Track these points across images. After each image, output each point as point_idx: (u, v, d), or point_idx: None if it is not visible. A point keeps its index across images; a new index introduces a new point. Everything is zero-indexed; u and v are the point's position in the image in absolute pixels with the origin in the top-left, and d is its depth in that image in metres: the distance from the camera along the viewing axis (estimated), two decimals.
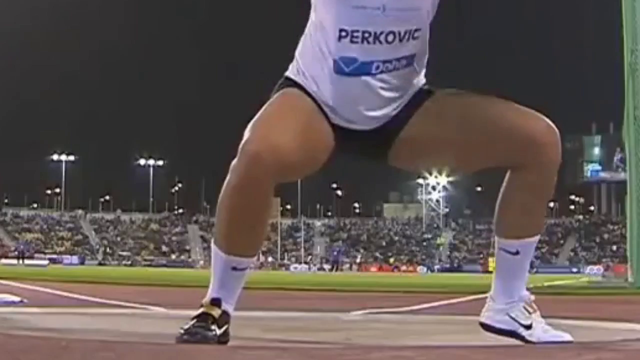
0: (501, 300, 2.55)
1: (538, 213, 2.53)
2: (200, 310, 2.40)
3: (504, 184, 2.53)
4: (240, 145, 2.32)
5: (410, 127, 2.48)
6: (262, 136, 2.30)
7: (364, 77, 2.41)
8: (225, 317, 2.40)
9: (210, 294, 2.45)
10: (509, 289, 2.55)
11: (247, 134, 2.33)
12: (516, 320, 2.51)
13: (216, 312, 2.39)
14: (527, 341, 2.46)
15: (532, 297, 2.55)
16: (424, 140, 2.47)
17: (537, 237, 2.55)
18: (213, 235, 2.48)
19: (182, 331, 2.34)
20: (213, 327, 2.35)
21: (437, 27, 2.52)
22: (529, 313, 2.51)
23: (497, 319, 2.56)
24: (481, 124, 2.42)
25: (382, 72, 2.40)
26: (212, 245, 2.47)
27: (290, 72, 2.56)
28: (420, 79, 2.55)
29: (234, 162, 2.32)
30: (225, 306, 2.42)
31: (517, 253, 2.52)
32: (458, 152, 2.48)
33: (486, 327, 2.59)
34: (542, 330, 2.48)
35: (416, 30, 2.40)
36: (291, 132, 2.34)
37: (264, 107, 2.45)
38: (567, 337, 2.46)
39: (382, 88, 2.43)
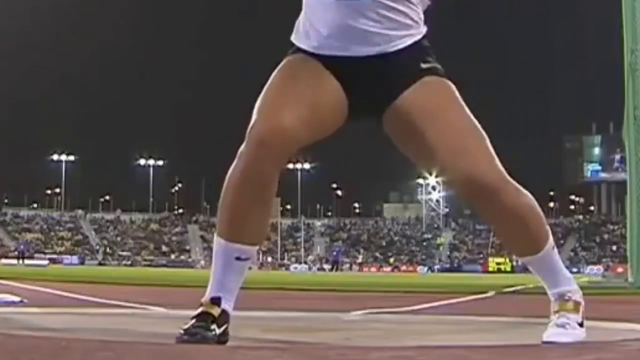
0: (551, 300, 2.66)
1: (523, 240, 2.56)
2: (200, 309, 2.40)
3: None
4: (248, 129, 2.35)
5: (404, 101, 2.48)
6: (267, 119, 2.33)
7: (354, 2, 2.42)
8: (224, 316, 2.40)
9: (209, 292, 2.44)
10: (547, 289, 2.65)
11: (253, 116, 2.37)
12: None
13: (216, 311, 2.39)
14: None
15: (568, 296, 2.61)
16: (407, 121, 2.48)
17: (538, 255, 2.58)
18: (217, 228, 2.47)
19: (182, 331, 2.34)
20: (213, 326, 2.35)
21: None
22: (554, 312, 2.58)
23: None
24: (449, 140, 2.42)
25: None
26: (215, 238, 2.47)
27: (293, 34, 2.59)
28: (420, 26, 2.55)
29: (242, 146, 2.36)
30: (224, 305, 2.41)
31: (527, 267, 2.66)
32: (422, 151, 2.50)
33: None
34: (548, 329, 2.53)
35: None
36: (296, 109, 2.36)
37: (269, 82, 2.47)
38: (567, 337, 2.46)
39: (376, 13, 2.43)
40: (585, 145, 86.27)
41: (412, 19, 2.50)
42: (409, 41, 2.49)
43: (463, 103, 2.51)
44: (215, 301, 2.41)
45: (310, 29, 2.51)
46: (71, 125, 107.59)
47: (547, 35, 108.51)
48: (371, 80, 2.48)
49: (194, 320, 2.37)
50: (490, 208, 2.45)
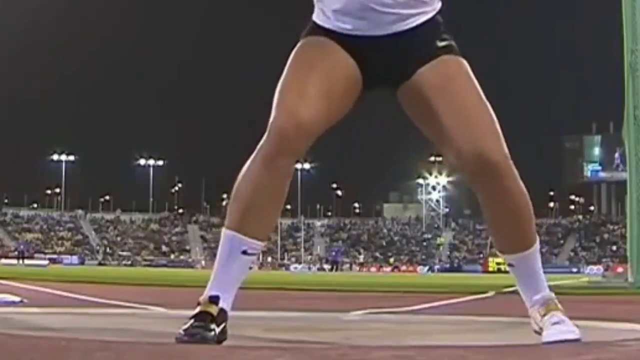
0: (528, 306, 2.63)
1: (513, 231, 2.56)
2: (198, 309, 2.39)
3: None
4: (269, 123, 2.39)
5: (419, 77, 2.50)
6: (287, 114, 2.37)
7: None
8: (223, 315, 2.39)
9: (208, 291, 2.43)
10: (526, 295, 2.62)
11: (273, 110, 2.41)
12: (537, 324, 2.57)
13: (214, 310, 2.37)
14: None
15: (552, 298, 2.58)
16: (422, 97, 2.50)
17: (526, 253, 2.57)
18: (227, 220, 2.48)
19: (181, 332, 2.34)
20: (212, 326, 2.34)
21: None
22: (542, 316, 2.54)
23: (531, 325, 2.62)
24: (448, 126, 2.46)
25: None
26: (224, 231, 2.47)
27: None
28: (435, 2, 2.57)
29: (263, 139, 2.40)
30: (222, 304, 2.40)
31: (511, 265, 2.59)
32: (434, 127, 2.52)
33: (536, 332, 2.62)
34: (548, 330, 2.50)
35: None
36: (314, 102, 2.40)
37: (286, 70, 2.49)
38: (571, 334, 2.46)
39: None
40: (585, 145, 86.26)
41: None
42: (422, 18, 2.52)
43: (476, 83, 2.54)
44: (214, 300, 2.40)
45: (325, 8, 2.53)
46: (71, 125, 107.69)
47: (547, 35, 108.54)
48: (386, 58, 2.50)
49: (192, 320, 2.36)
50: (493, 188, 2.48)
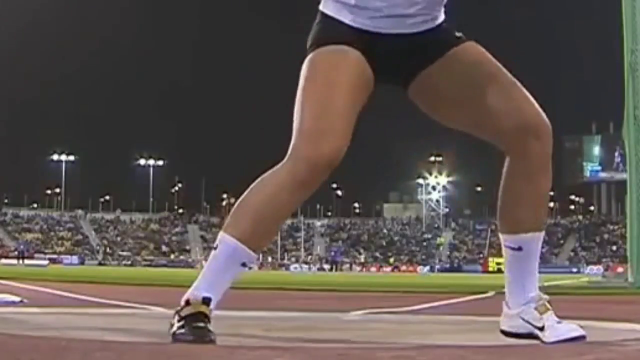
0: (514, 304, 2.56)
1: (536, 205, 2.53)
2: (191, 308, 2.35)
3: (503, 174, 2.56)
4: (294, 147, 2.39)
5: (434, 69, 2.51)
6: (315, 143, 2.35)
7: None
8: (210, 318, 2.37)
9: (199, 291, 2.39)
10: (519, 291, 2.55)
11: (299, 132, 2.39)
12: (530, 323, 2.51)
13: (207, 312, 2.35)
14: (544, 342, 2.45)
15: (545, 297, 2.54)
16: (440, 89, 2.52)
17: (538, 234, 2.53)
18: (231, 227, 2.44)
19: (183, 330, 2.32)
20: (210, 327, 2.32)
21: None
22: (540, 314, 2.50)
23: (512, 324, 2.56)
24: (492, 96, 2.47)
25: None
26: (227, 237, 2.43)
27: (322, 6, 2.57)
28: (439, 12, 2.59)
29: (288, 162, 2.39)
30: (212, 306, 2.38)
31: (519, 249, 2.53)
32: (462, 114, 2.55)
33: (505, 334, 2.59)
34: (554, 329, 2.47)
35: None
36: (339, 127, 2.38)
37: (305, 83, 2.45)
38: (578, 332, 2.45)
39: None
40: (585, 145, 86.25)
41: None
42: (442, 17, 2.56)
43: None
44: (207, 301, 2.37)
45: (355, 3, 2.49)
46: (71, 125, 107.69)
47: (547, 35, 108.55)
48: (404, 55, 2.50)
49: (189, 320, 2.32)
50: (537, 154, 2.47)
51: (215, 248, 2.47)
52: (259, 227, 2.42)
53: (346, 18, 2.50)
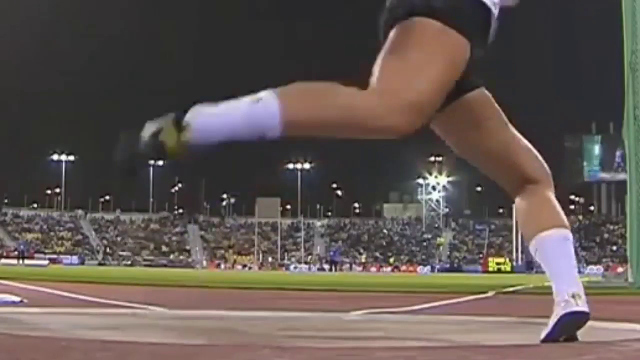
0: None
1: (545, 209, 2.60)
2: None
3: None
4: (402, 97, 2.22)
5: (461, 103, 2.53)
6: (420, 108, 2.24)
7: None
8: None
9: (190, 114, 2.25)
10: (554, 289, 2.47)
11: (413, 85, 2.24)
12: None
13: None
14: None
15: (568, 293, 2.44)
16: (457, 122, 2.57)
17: (550, 232, 2.52)
18: (286, 101, 2.17)
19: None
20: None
21: None
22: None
23: None
24: (498, 150, 2.61)
25: None
26: (275, 104, 2.15)
27: None
28: None
29: (388, 103, 2.21)
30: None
31: (536, 251, 2.53)
32: (469, 153, 2.68)
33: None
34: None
35: None
36: (439, 99, 2.31)
37: (435, 53, 2.30)
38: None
39: None
40: (585, 145, 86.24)
41: None
42: None
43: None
44: (178, 120, 2.28)
45: None
46: (71, 125, 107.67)
47: (547, 35, 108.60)
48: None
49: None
50: (539, 195, 2.64)
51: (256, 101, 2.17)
52: (311, 126, 2.21)
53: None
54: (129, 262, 71.00)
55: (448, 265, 72.59)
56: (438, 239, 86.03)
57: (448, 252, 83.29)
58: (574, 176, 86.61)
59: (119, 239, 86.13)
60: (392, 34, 2.36)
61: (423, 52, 2.30)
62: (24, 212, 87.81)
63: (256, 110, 2.15)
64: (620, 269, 26.70)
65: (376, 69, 2.30)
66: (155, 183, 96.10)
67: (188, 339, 2.64)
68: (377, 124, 2.21)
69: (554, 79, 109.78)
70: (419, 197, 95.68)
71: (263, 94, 2.17)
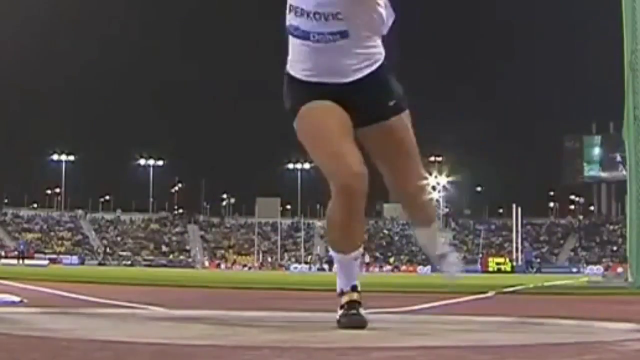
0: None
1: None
2: (347, 297, 3.38)
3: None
4: (332, 174, 3.26)
5: (372, 129, 3.39)
6: (347, 168, 3.22)
7: (307, 42, 3.26)
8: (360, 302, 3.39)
9: (343, 285, 3.49)
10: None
11: (328, 164, 3.26)
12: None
13: (358, 297, 3.42)
14: None
15: None
16: (375, 147, 3.46)
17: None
18: (330, 245, 3.66)
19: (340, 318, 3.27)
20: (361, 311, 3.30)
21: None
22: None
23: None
24: (396, 165, 3.57)
25: (318, 41, 3.23)
26: (332, 252, 3.61)
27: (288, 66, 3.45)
28: (382, 50, 3.38)
29: (334, 190, 3.28)
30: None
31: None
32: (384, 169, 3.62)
33: None
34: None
35: (338, 13, 3.17)
36: (353, 150, 3.26)
37: (306, 131, 3.30)
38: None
39: (351, 53, 3.29)
40: (585, 145, 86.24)
41: (376, 47, 3.35)
42: (375, 66, 3.32)
43: (411, 132, 3.47)
44: (354, 289, 3.47)
45: (298, 66, 3.34)
46: (71, 125, 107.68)
47: (547, 35, 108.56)
48: (356, 101, 3.32)
49: (345, 307, 3.34)
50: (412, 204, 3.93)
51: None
52: (338, 238, 3.53)
53: (299, 74, 3.42)
54: (129, 262, 70.97)
55: None
56: None
57: None
58: (574, 176, 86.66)
59: (119, 239, 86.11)
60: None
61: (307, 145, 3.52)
62: (24, 212, 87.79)
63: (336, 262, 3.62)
64: (620, 269, 26.71)
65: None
66: (155, 183, 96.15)
67: (188, 339, 2.64)
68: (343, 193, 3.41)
69: (553, 79, 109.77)
70: None
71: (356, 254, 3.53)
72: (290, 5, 3.26)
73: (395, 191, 3.69)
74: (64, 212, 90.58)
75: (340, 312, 3.36)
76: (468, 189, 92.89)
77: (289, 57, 3.36)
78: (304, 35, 3.25)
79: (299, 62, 3.32)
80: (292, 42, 3.32)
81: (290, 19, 3.26)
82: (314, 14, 3.19)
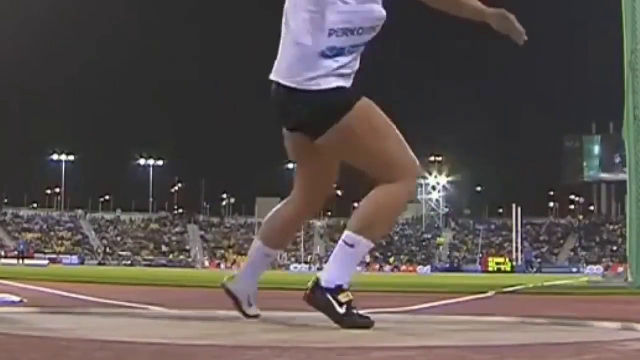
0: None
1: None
2: (347, 296, 3.33)
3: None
4: (405, 165, 3.31)
5: (324, 140, 3.36)
6: (416, 161, 3.34)
7: None
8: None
9: (343, 279, 3.38)
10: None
11: (404, 154, 3.32)
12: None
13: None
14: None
15: None
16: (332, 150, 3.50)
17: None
18: (368, 234, 3.29)
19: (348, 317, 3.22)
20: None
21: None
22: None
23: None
24: (314, 188, 3.79)
25: None
26: (365, 242, 3.29)
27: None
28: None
29: (407, 181, 3.31)
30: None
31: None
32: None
33: None
34: None
35: None
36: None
37: (382, 122, 3.32)
38: None
39: None
40: (585, 145, 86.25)
41: None
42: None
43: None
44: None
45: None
46: (71, 125, 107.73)
47: (547, 35, 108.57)
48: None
49: (350, 306, 3.30)
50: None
51: (351, 246, 3.32)
52: (385, 231, 3.53)
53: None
54: (129, 262, 70.98)
55: (448, 265, 72.57)
56: (438, 239, 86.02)
57: (448, 252, 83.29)
58: (574, 176, 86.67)
59: (119, 239, 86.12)
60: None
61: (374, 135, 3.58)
62: (24, 212, 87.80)
63: (358, 254, 3.42)
64: (620, 269, 26.72)
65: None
66: (155, 183, 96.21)
67: (188, 339, 2.65)
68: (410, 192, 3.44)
69: (553, 79, 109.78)
70: (418, 197, 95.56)
71: (354, 240, 3.33)
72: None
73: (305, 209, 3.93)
74: (64, 212, 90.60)
75: (341, 310, 3.32)
76: (468, 189, 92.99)
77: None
78: None
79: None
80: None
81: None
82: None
